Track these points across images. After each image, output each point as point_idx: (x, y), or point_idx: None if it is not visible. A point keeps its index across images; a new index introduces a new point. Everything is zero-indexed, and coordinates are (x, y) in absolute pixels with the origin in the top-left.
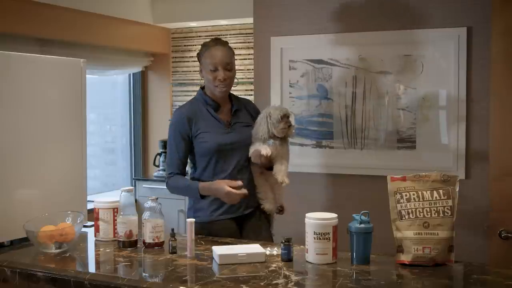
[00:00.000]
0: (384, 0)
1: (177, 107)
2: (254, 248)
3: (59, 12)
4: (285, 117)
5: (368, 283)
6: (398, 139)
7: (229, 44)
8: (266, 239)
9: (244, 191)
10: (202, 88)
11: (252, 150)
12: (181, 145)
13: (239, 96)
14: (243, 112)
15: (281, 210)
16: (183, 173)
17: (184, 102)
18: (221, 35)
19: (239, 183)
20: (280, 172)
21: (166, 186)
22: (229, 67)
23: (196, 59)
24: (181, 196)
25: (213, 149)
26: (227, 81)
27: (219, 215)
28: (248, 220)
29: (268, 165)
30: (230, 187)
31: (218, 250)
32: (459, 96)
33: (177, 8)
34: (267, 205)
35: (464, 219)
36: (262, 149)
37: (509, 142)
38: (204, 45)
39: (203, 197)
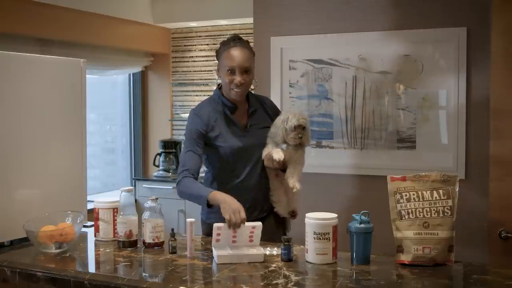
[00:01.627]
0: (384, 0)
1: (176, 107)
2: (253, 248)
3: (59, 12)
4: (299, 127)
5: (368, 283)
6: (398, 139)
7: (248, 42)
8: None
9: (240, 225)
10: (219, 87)
11: (265, 152)
12: (197, 143)
13: (257, 94)
14: (260, 112)
15: (293, 214)
16: (196, 173)
17: (184, 102)
18: (221, 35)
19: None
20: (291, 177)
21: (177, 187)
22: (247, 71)
23: (196, 59)
24: None
25: (228, 153)
26: (244, 85)
27: None
28: (262, 224)
29: (282, 167)
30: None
31: (218, 250)
32: (459, 96)
33: (177, 8)
34: (280, 209)
35: (464, 219)
36: (274, 153)
37: (509, 142)
38: (223, 44)
39: (209, 206)
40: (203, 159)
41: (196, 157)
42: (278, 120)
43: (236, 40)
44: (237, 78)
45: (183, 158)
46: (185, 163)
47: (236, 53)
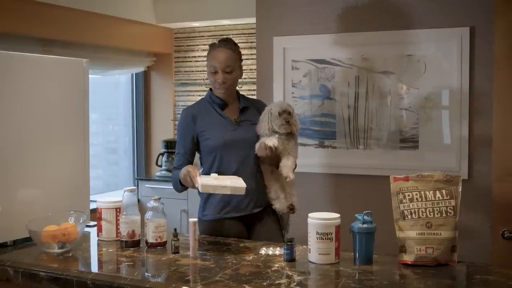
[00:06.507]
0: (386, 0)
1: (179, 106)
2: (235, 181)
3: (61, 12)
4: (284, 113)
5: (370, 283)
6: (400, 139)
7: (236, 44)
8: (276, 240)
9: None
10: (211, 88)
11: (257, 144)
12: (185, 143)
13: (249, 97)
14: (252, 111)
15: (291, 208)
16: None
17: (186, 102)
18: (224, 35)
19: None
20: (285, 167)
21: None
22: (229, 70)
23: (198, 59)
24: (184, 196)
25: (218, 146)
26: (226, 84)
27: (226, 213)
28: (257, 221)
29: (277, 163)
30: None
31: (201, 180)
32: (461, 96)
33: (180, 8)
34: (278, 205)
35: (467, 219)
36: (268, 140)
37: None
38: (210, 46)
39: (182, 184)
40: (198, 157)
41: (185, 154)
42: (263, 114)
43: (221, 41)
44: (219, 77)
45: (174, 159)
46: (175, 162)
47: (219, 55)
